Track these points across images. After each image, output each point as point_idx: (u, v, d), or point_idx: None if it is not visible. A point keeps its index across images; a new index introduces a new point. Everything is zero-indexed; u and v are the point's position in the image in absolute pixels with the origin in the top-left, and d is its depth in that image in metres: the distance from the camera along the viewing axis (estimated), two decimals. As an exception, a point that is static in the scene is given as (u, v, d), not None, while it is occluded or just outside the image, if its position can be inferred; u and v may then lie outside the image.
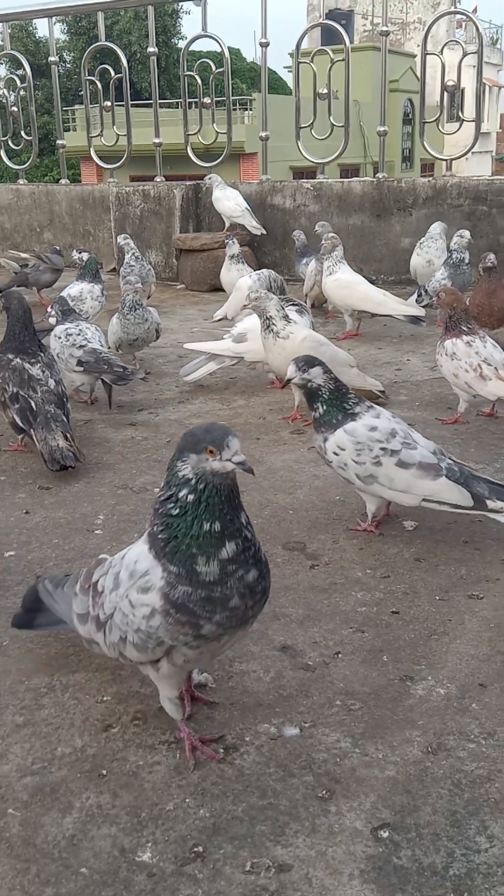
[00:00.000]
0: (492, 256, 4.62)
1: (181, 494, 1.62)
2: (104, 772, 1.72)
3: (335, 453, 2.65)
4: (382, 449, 2.59)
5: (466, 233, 5.53)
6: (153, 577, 1.63)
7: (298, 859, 1.51)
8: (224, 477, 1.61)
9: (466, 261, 5.46)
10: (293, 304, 4.39)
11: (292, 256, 7.49)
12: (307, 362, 2.67)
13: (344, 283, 5.25)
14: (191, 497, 1.61)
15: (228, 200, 7.22)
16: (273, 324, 3.73)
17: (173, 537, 1.62)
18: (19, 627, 2.11)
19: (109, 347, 4.81)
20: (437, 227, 6.26)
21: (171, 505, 1.63)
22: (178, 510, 1.62)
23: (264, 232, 7.35)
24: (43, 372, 3.45)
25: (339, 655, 2.10)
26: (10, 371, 3.42)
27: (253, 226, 7.25)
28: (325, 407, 2.69)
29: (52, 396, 3.39)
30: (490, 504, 2.53)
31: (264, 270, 4.63)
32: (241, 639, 1.79)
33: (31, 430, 3.31)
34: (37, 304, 5.88)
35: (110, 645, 1.77)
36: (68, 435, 3.30)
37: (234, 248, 5.96)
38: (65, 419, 3.37)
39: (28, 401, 3.34)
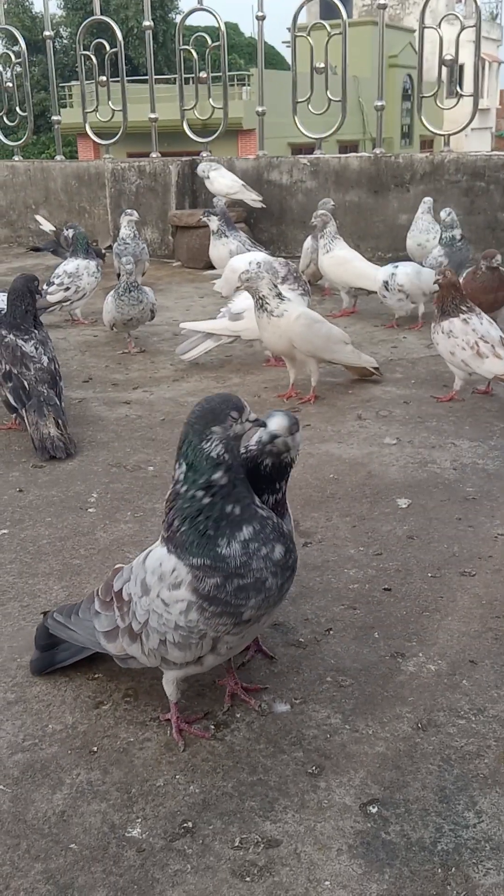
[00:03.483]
0: (499, 258, 4.50)
1: (215, 477, 1.56)
2: (95, 748, 1.73)
3: None
4: None
5: (450, 210, 5.48)
6: (180, 572, 1.59)
7: (287, 835, 1.51)
8: (239, 440, 1.61)
9: (458, 237, 5.42)
10: (296, 282, 4.36)
11: (289, 233, 7.46)
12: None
13: (340, 259, 5.21)
14: (224, 479, 1.57)
15: (224, 178, 7.17)
16: (266, 302, 3.71)
17: (193, 527, 1.57)
18: (40, 672, 1.96)
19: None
20: (423, 206, 6.19)
21: (201, 493, 1.56)
22: (207, 497, 1.57)
23: (264, 205, 7.32)
24: (36, 349, 3.44)
25: (331, 632, 2.10)
26: (3, 348, 3.41)
27: (252, 199, 7.22)
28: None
29: (45, 375, 3.38)
30: None
31: (277, 260, 4.51)
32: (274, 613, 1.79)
33: (23, 411, 3.30)
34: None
35: (150, 652, 1.70)
36: (60, 422, 3.30)
37: (213, 223, 5.92)
38: (57, 401, 3.36)
39: (20, 379, 3.33)
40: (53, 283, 5.21)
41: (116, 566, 1.86)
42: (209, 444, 1.56)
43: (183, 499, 1.59)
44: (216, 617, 1.58)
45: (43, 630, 1.98)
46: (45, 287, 5.22)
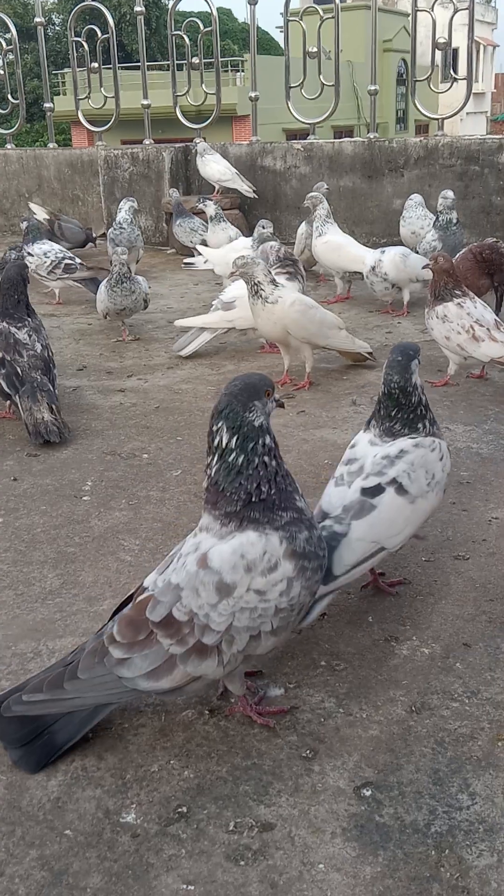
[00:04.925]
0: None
1: (267, 441, 1.65)
2: (89, 735, 1.72)
3: None
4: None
5: (450, 193, 5.43)
6: (271, 548, 1.60)
7: (281, 818, 1.52)
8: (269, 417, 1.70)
9: (455, 221, 5.38)
10: (289, 265, 4.33)
11: (284, 219, 7.43)
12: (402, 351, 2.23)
13: (334, 245, 5.19)
14: (271, 441, 1.66)
15: (218, 164, 7.14)
16: (261, 289, 3.69)
17: (276, 485, 1.65)
18: (41, 766, 1.65)
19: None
20: (415, 197, 6.15)
21: (267, 458, 1.64)
22: (273, 461, 1.65)
23: (256, 196, 7.28)
24: (29, 336, 3.44)
25: (325, 617, 2.10)
26: None
27: (245, 189, 7.19)
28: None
29: (39, 361, 3.38)
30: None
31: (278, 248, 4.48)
32: None
33: (17, 397, 3.30)
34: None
35: (231, 658, 1.63)
36: (54, 407, 3.29)
37: (210, 208, 5.92)
38: (51, 387, 3.36)
39: (14, 366, 3.33)
40: (77, 264, 5.40)
41: (138, 600, 1.68)
42: (253, 414, 1.64)
43: (251, 467, 1.63)
44: (314, 573, 1.66)
45: (13, 724, 1.68)
46: (69, 262, 5.37)
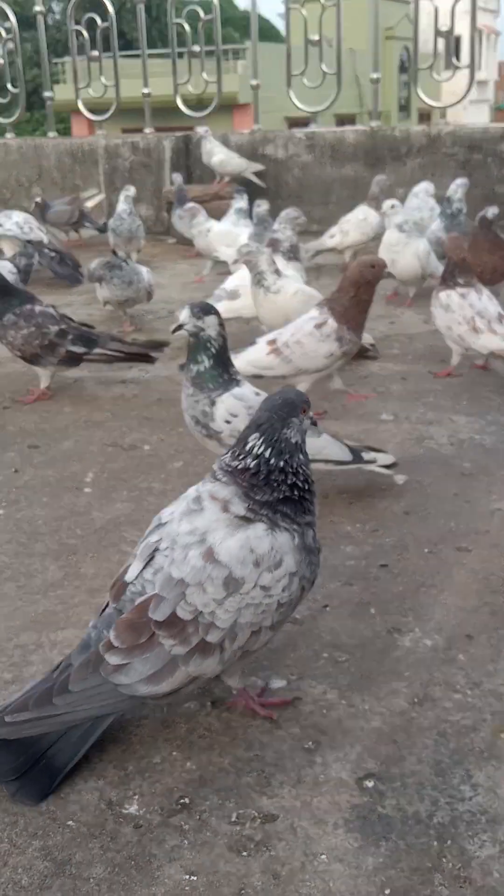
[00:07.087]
0: (493, 210, 4.39)
1: (299, 459, 1.68)
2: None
3: (227, 421, 2.45)
4: None
5: (465, 179, 5.34)
6: (278, 544, 1.61)
7: (284, 810, 1.52)
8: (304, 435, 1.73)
9: (464, 211, 5.32)
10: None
11: (285, 208, 7.39)
12: (203, 309, 2.40)
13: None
14: (304, 459, 1.70)
15: (230, 157, 7.13)
16: (264, 278, 3.68)
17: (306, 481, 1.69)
18: (45, 795, 1.57)
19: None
20: (420, 188, 6.06)
21: (292, 478, 1.66)
22: (295, 476, 1.67)
23: (263, 185, 7.28)
24: (55, 311, 3.63)
25: (327, 609, 2.11)
26: (41, 317, 3.53)
27: (255, 170, 7.20)
28: (210, 362, 2.44)
29: (84, 326, 3.67)
30: (365, 456, 2.59)
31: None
32: None
33: (97, 349, 3.54)
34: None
35: (231, 655, 1.62)
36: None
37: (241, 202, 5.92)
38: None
39: (78, 329, 3.55)
40: None
41: (138, 602, 1.62)
42: (290, 431, 1.67)
43: (277, 479, 1.66)
44: (314, 566, 1.69)
45: (2, 752, 1.60)
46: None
